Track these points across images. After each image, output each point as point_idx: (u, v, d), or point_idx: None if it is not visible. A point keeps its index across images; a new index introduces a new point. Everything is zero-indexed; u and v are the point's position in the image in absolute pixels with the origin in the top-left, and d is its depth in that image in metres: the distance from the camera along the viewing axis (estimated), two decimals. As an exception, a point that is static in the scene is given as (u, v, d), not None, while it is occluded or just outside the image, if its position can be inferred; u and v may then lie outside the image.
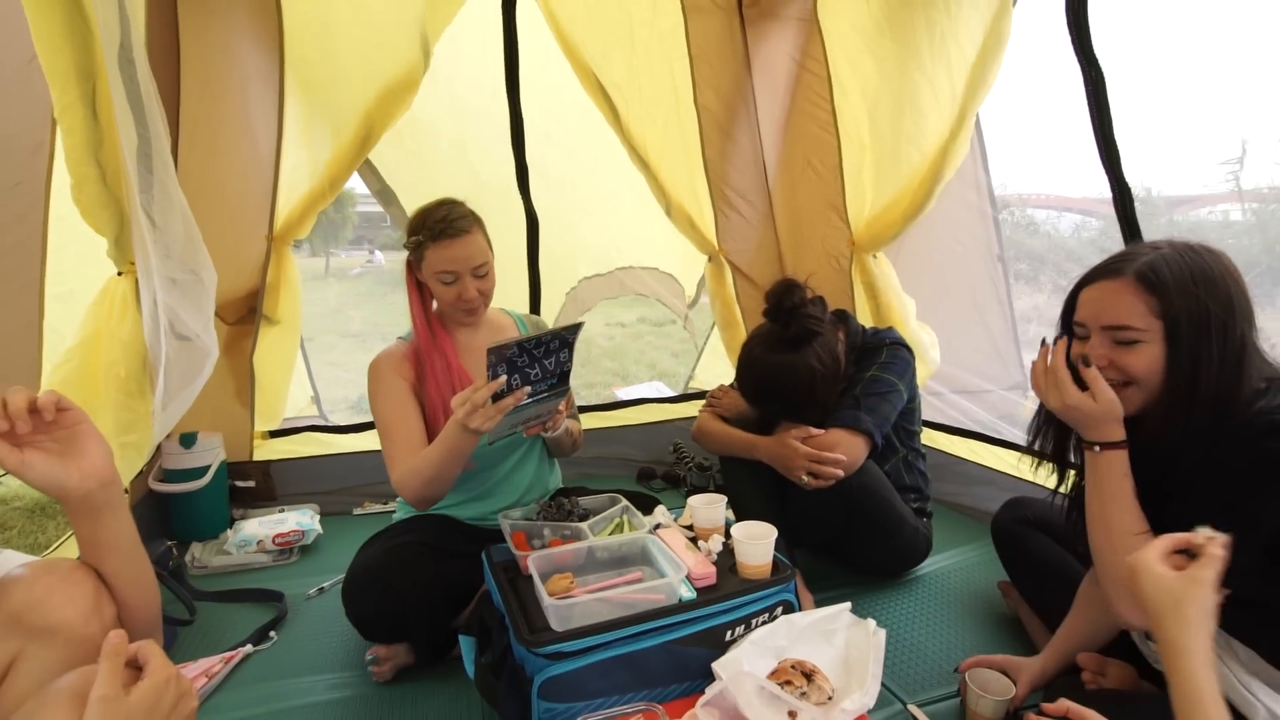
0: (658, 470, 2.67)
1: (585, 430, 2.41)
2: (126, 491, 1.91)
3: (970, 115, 1.94)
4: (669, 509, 1.57)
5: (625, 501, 1.51)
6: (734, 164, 2.51)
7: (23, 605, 0.79)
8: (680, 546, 1.36)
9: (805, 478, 1.50)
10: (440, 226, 1.40)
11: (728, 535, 1.41)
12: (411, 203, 2.34)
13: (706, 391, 2.76)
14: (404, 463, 1.37)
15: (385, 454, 1.41)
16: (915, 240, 2.29)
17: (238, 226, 2.16)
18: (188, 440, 2.20)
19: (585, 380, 4.81)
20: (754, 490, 1.65)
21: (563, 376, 1.23)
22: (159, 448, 2.17)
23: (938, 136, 2.01)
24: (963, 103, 1.97)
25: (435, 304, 1.52)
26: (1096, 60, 1.60)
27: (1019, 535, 1.53)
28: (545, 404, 1.26)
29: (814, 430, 1.53)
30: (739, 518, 1.66)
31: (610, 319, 6.36)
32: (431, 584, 1.39)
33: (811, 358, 1.53)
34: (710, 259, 2.60)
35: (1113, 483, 1.04)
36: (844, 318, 1.72)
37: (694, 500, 1.47)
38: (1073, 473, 1.19)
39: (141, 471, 2.05)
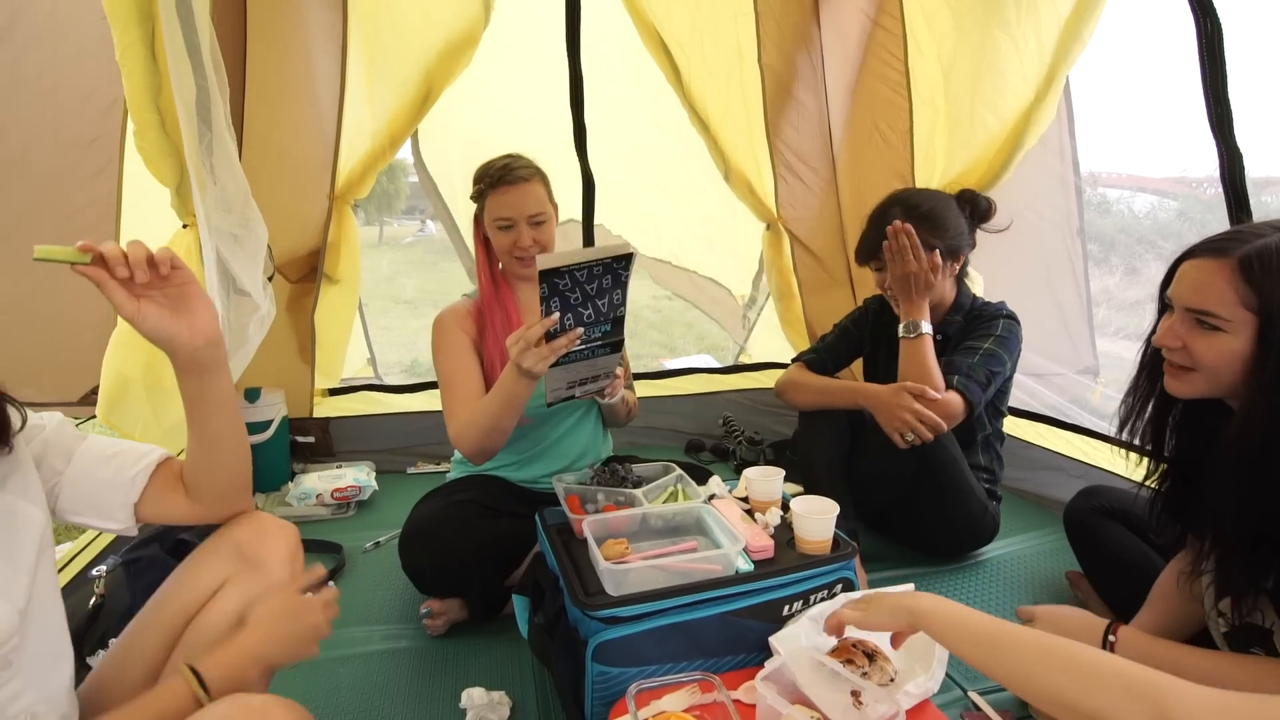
0: (706, 443, 2.64)
1: (640, 397, 2.34)
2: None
3: (1059, 79, 1.80)
4: (723, 480, 1.54)
5: (679, 470, 1.49)
6: (797, 127, 2.44)
7: (245, 537, 0.93)
8: (736, 518, 1.33)
9: (904, 435, 1.47)
10: (500, 174, 1.43)
11: (784, 509, 1.39)
12: (458, 163, 2.34)
13: (761, 364, 2.77)
14: (462, 415, 1.38)
15: (445, 407, 1.42)
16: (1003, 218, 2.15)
17: (301, 185, 2.18)
18: (252, 395, 2.25)
19: (632, 352, 4.68)
20: (827, 449, 1.63)
21: (617, 323, 1.19)
22: None
23: (1019, 102, 1.87)
24: (1051, 64, 1.82)
25: (500, 262, 1.53)
26: (1214, 9, 1.45)
27: (1094, 525, 1.46)
28: (600, 359, 1.23)
29: (931, 391, 1.49)
30: (805, 478, 1.64)
31: (659, 290, 6.26)
32: (487, 543, 1.40)
33: (954, 208, 1.61)
34: (768, 227, 2.55)
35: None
36: (959, 280, 1.69)
37: (750, 472, 1.43)
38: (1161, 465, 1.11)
39: None
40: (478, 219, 1.51)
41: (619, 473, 1.49)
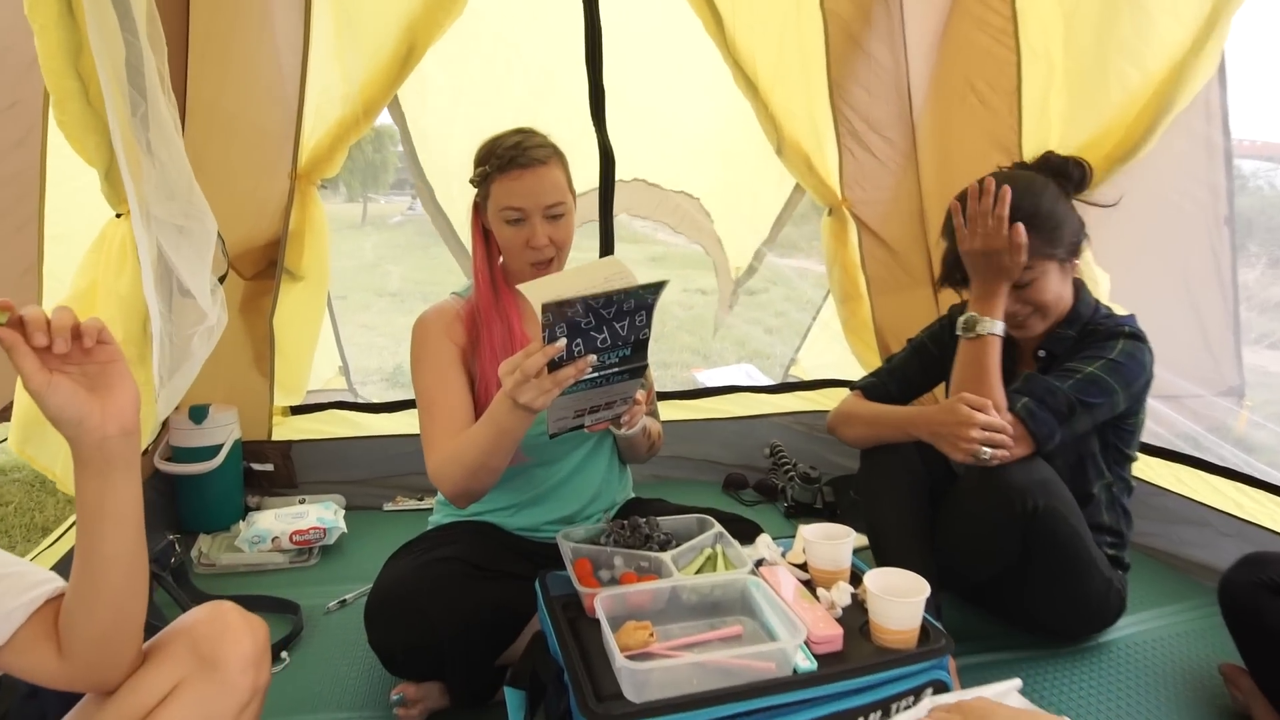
0: (749, 478, 2.58)
1: (665, 421, 2.30)
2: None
3: (1225, 18, 1.65)
4: (773, 538, 1.46)
5: (718, 526, 1.41)
6: (868, 87, 2.37)
7: (202, 632, 0.91)
8: (793, 594, 1.24)
9: (981, 451, 1.41)
10: (510, 154, 1.38)
11: (855, 583, 1.29)
12: (454, 133, 2.27)
13: (818, 382, 2.73)
14: (444, 446, 1.34)
15: (423, 433, 1.38)
16: (1114, 192, 2.01)
17: (256, 162, 2.17)
18: (198, 414, 2.22)
19: (659, 359, 4.74)
20: (895, 501, 1.56)
21: (639, 347, 1.16)
22: (165, 422, 2.21)
23: (1170, 50, 1.73)
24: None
25: (502, 258, 1.48)
26: None
27: (1263, 606, 1.34)
28: (616, 385, 1.19)
29: (985, 401, 1.43)
30: (872, 542, 1.57)
31: (690, 283, 6.21)
32: (472, 616, 1.34)
33: (1064, 201, 1.55)
34: (830, 212, 2.48)
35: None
36: (1078, 283, 1.62)
37: (809, 532, 1.35)
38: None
39: (146, 449, 2.10)
40: (478, 207, 1.45)
41: (641, 529, 1.41)
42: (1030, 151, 2.09)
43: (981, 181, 1.49)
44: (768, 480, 2.53)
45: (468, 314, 1.48)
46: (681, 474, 2.59)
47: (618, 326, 1.11)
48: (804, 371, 3.08)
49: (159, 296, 1.58)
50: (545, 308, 1.02)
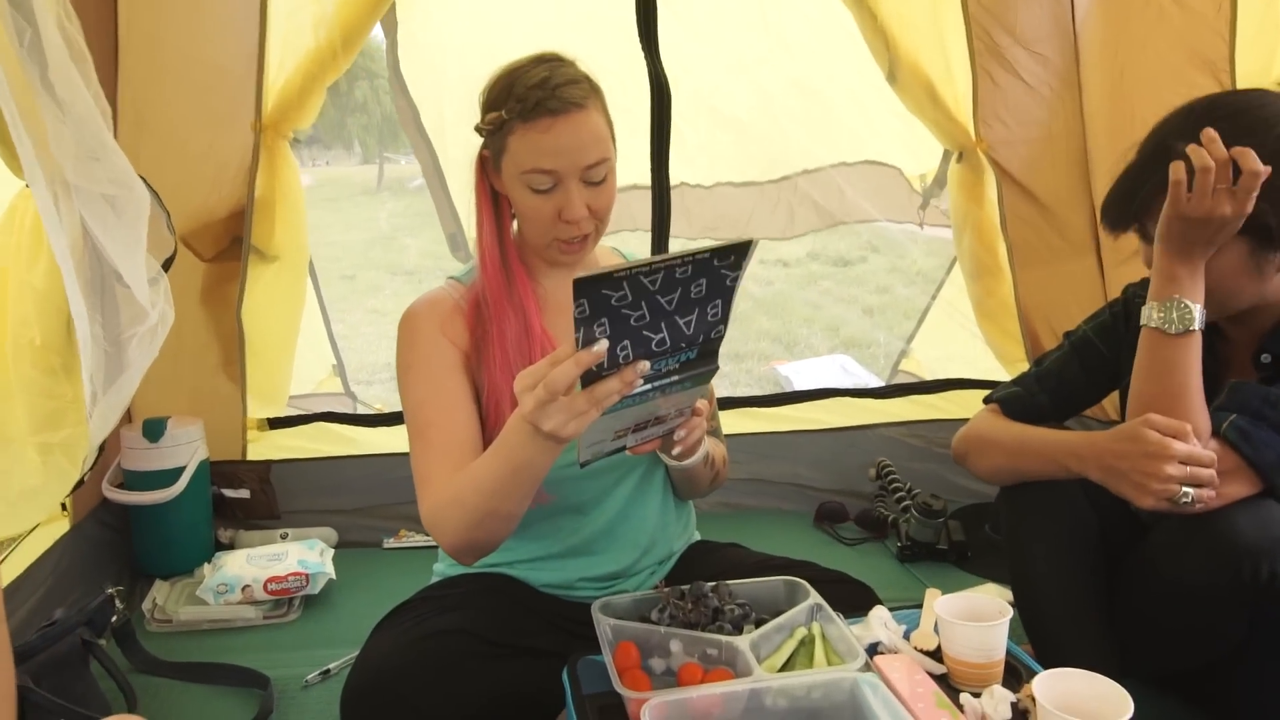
0: (849, 509, 2.48)
1: (734, 435, 2.30)
2: (65, 509, 1.96)
3: None
4: (891, 608, 1.34)
5: (815, 596, 1.28)
6: None
7: None
8: (926, 701, 1.10)
9: (1180, 495, 1.27)
10: (537, 96, 1.27)
11: (1011, 680, 1.18)
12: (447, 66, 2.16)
13: (934, 383, 2.62)
14: (442, 483, 1.27)
15: (415, 465, 1.32)
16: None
17: (210, 110, 2.11)
18: (153, 430, 2.18)
19: (731, 350, 4.64)
20: (1057, 566, 1.47)
21: (709, 348, 1.06)
22: (116, 435, 2.17)
23: None
24: None
25: (516, 227, 1.41)
26: None
27: None
28: (674, 394, 1.10)
29: (1182, 425, 1.29)
30: (1023, 612, 1.47)
31: (767, 253, 6.08)
32: (480, 710, 1.25)
33: None
34: (959, 156, 2.40)
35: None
36: None
37: (947, 607, 1.23)
38: None
39: (87, 472, 1.99)
40: (485, 161, 1.37)
41: (707, 599, 1.29)
42: (1249, 72, 1.96)
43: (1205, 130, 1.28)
44: (874, 511, 2.42)
45: (470, 304, 1.39)
46: (759, 502, 2.51)
47: (681, 322, 1.01)
48: (920, 367, 3.00)
49: (84, 289, 1.52)
50: (579, 286, 0.90)
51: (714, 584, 1.31)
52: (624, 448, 1.16)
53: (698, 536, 1.62)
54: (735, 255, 0.98)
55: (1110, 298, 2.47)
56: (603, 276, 0.92)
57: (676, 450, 1.23)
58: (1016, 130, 2.33)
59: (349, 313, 6.03)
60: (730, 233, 2.72)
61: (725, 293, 1.01)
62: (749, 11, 2.53)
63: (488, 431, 1.34)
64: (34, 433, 1.57)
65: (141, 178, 1.58)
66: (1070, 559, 1.46)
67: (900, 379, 2.93)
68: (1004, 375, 2.51)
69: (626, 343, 0.99)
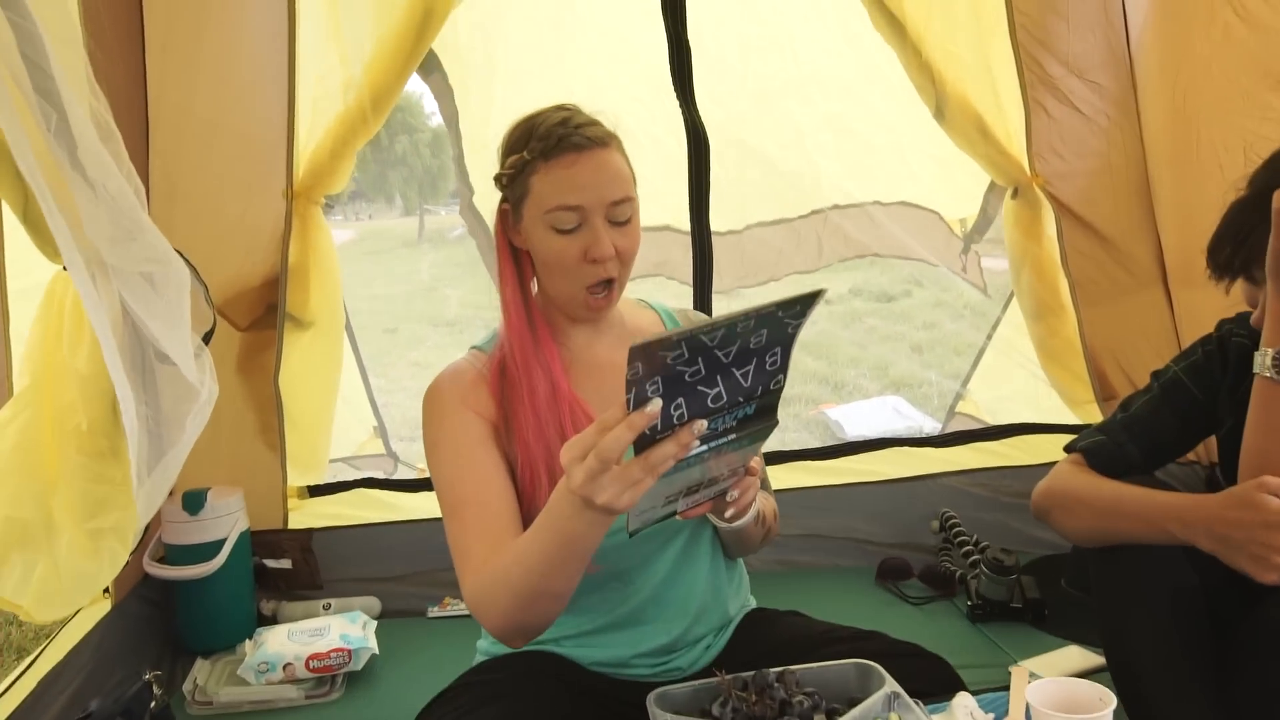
0: (913, 565, 2.35)
1: (786, 490, 2.24)
2: (107, 590, 1.94)
3: None
4: (974, 691, 1.25)
5: (890, 682, 1.17)
6: (1065, 14, 2.23)
7: None
8: None
9: None
10: (560, 133, 1.27)
11: None
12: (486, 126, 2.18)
13: (997, 429, 2.52)
14: (483, 563, 1.21)
15: (452, 546, 1.27)
16: None
17: (242, 179, 2.11)
18: (194, 502, 2.14)
19: None
20: (1158, 640, 1.36)
21: (768, 403, 1.00)
22: (157, 511, 2.08)
23: None
24: None
25: (536, 286, 1.39)
26: None
27: None
28: (728, 453, 1.03)
29: None
30: (1121, 688, 1.35)
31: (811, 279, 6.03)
32: None
33: None
34: (1014, 193, 2.32)
35: None
36: None
37: (1041, 695, 1.11)
38: None
39: (134, 552, 1.99)
40: (505, 216, 1.35)
41: (773, 689, 1.17)
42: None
43: None
44: (939, 567, 2.29)
45: (494, 372, 1.35)
46: (816, 559, 2.40)
47: (739, 374, 0.94)
48: (979, 409, 2.87)
49: (128, 369, 1.49)
50: (634, 353, 0.86)
51: (779, 670, 1.20)
52: (674, 513, 1.08)
53: (753, 602, 1.54)
54: (801, 305, 0.91)
55: (1180, 328, 2.37)
56: (661, 341, 0.86)
57: (729, 512, 1.15)
58: (1074, 162, 2.27)
59: (391, 366, 6.04)
60: (761, 275, 2.67)
61: (786, 340, 0.95)
62: (779, 44, 2.50)
63: (524, 502, 1.29)
64: (86, 519, 1.55)
65: (178, 252, 1.56)
66: (1172, 628, 1.34)
67: (958, 422, 2.83)
68: (1072, 418, 2.41)
69: (681, 401, 0.92)
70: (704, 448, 0.97)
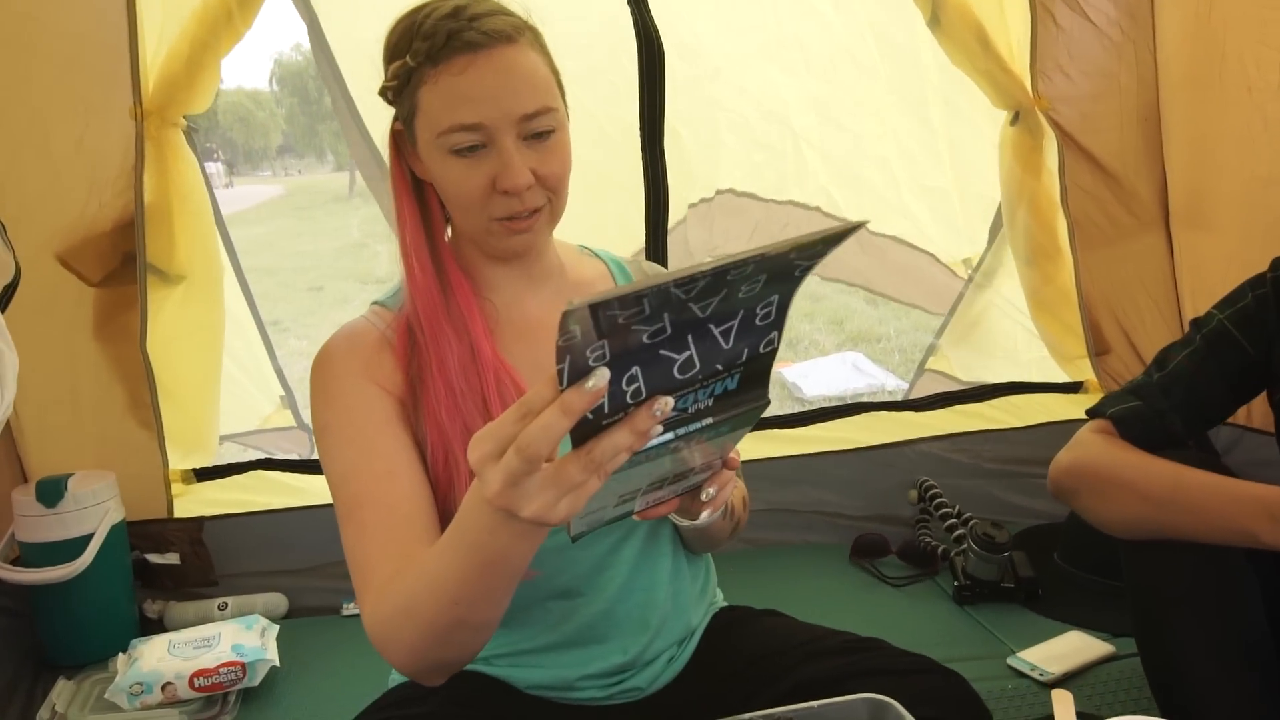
0: (890, 540, 2.24)
1: (749, 461, 2.09)
2: None
3: None
4: (962, 669, 1.13)
5: (900, 714, 0.99)
6: None
7: None
8: None
9: None
10: (449, 28, 1.08)
11: None
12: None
13: (980, 389, 2.45)
14: (384, 582, 1.03)
15: (349, 557, 1.07)
16: None
17: (71, 96, 1.87)
18: (51, 491, 1.89)
19: None
20: (1213, 644, 1.22)
21: (755, 368, 0.79)
22: (7, 502, 1.93)
23: None
24: None
25: (449, 225, 1.23)
26: None
27: None
28: (702, 442, 0.83)
29: None
30: (1171, 702, 1.27)
31: (752, 214, 6.06)
32: None
33: None
34: (1014, 118, 2.19)
35: None
36: None
37: None
38: None
39: None
40: (399, 138, 1.17)
41: None
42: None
43: None
44: (919, 542, 2.15)
45: (400, 334, 1.16)
46: (784, 536, 2.26)
47: (717, 333, 0.71)
48: (951, 365, 2.75)
49: None
50: (571, 316, 0.63)
51: (788, 713, 1.00)
52: (630, 513, 0.88)
53: (720, 598, 1.37)
54: (825, 244, 0.68)
55: (1180, 276, 2.19)
56: (616, 299, 0.62)
57: (704, 515, 0.96)
58: (1080, 83, 2.13)
59: (315, 327, 5.94)
60: (732, 245, 2.53)
61: (787, 288, 0.72)
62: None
63: (440, 497, 1.11)
64: None
65: None
66: (1228, 634, 1.19)
67: (929, 380, 2.70)
68: (1062, 375, 2.30)
69: (636, 370, 0.69)
70: (669, 435, 0.74)
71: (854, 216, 2.57)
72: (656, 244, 2.16)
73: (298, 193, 15.51)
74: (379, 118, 2.21)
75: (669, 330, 0.67)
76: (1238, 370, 1.31)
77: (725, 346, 0.71)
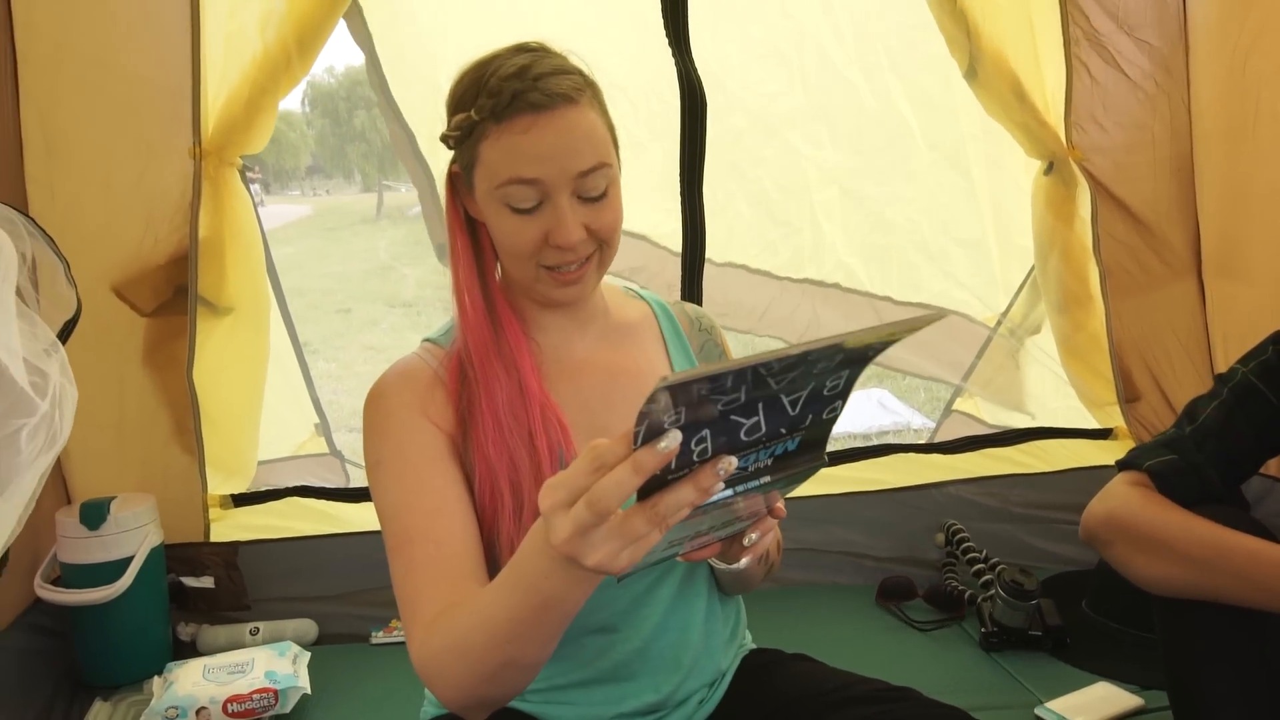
0: (917, 583, 2.21)
1: None
2: None
3: None
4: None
5: None
6: None
7: None
8: None
9: None
10: (514, 88, 1.09)
11: None
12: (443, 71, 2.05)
13: (1009, 433, 2.42)
14: (432, 617, 1.03)
15: (397, 591, 1.09)
16: None
17: (135, 136, 1.91)
18: (94, 515, 1.91)
19: None
20: (1251, 701, 1.20)
21: (815, 434, 0.81)
22: (51, 523, 1.95)
23: None
24: None
25: (500, 267, 1.24)
26: None
27: None
28: (755, 496, 0.86)
29: None
30: None
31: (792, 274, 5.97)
32: None
33: None
34: (1048, 168, 2.19)
35: None
36: None
37: None
38: None
39: (6, 559, 1.70)
40: (454, 181, 1.19)
41: None
42: None
43: None
44: (946, 586, 2.13)
45: (452, 372, 1.18)
46: (810, 576, 2.25)
47: (786, 401, 0.74)
48: (979, 408, 2.75)
49: None
50: (667, 392, 0.67)
51: None
52: (675, 555, 0.91)
53: (749, 640, 1.37)
54: (902, 333, 0.72)
55: (1211, 325, 2.20)
56: (705, 378, 0.66)
57: (744, 560, 0.97)
58: (1114, 134, 2.14)
59: (343, 350, 5.96)
60: (742, 322, 2.54)
61: (859, 364, 0.75)
62: (787, 63, 2.35)
63: (485, 526, 1.12)
64: None
65: (23, 213, 1.33)
66: (1261, 694, 1.17)
67: (955, 422, 2.69)
68: (1091, 422, 2.29)
69: (706, 433, 0.72)
70: (729, 492, 0.76)
71: (876, 287, 2.57)
72: (692, 285, 2.17)
73: (326, 213, 15.64)
74: (434, 144, 2.15)
75: (742, 400, 0.69)
76: (1265, 421, 1.31)
77: (791, 414, 0.73)
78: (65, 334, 1.34)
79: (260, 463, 2.40)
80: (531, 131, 1.07)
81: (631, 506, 0.73)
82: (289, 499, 2.23)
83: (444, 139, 1.16)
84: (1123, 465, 1.36)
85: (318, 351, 5.63)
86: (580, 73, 1.14)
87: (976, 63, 2.08)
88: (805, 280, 2.54)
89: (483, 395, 1.15)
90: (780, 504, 0.92)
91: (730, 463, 0.72)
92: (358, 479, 2.72)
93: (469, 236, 1.19)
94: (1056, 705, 1.63)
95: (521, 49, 1.13)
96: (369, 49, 2.22)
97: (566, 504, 0.74)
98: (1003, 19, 2.05)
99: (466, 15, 2.23)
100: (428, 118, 2.31)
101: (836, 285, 2.55)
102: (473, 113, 1.09)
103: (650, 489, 0.72)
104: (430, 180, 2.35)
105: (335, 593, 2.15)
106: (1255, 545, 1.16)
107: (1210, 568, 1.19)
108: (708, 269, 2.31)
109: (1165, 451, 1.32)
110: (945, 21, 2.03)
